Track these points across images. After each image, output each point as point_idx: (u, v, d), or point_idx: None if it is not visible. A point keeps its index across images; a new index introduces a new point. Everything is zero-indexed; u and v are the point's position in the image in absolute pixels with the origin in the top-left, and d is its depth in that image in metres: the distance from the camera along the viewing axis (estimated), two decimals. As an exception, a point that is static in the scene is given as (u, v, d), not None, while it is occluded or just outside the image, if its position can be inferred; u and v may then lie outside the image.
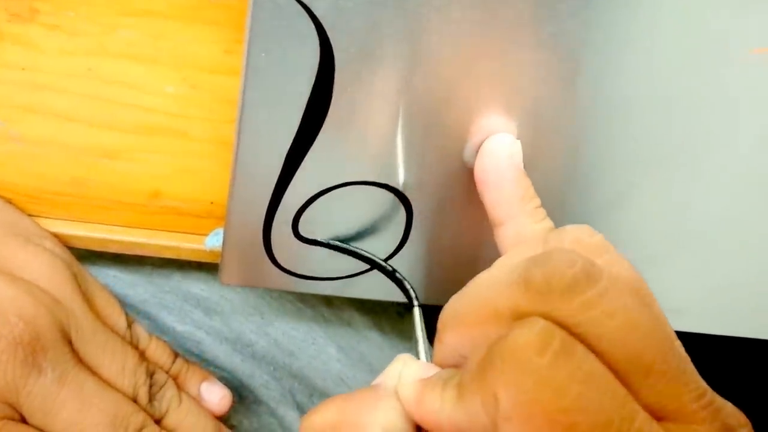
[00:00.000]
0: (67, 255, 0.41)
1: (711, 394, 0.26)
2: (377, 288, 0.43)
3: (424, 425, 0.29)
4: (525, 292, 0.26)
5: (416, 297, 0.36)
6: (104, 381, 0.38)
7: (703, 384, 0.26)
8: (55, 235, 0.42)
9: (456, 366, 0.30)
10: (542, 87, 0.35)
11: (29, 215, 0.42)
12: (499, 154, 0.35)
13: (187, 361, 0.43)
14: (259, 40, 0.33)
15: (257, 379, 0.47)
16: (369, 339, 0.50)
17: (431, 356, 0.32)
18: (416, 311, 0.36)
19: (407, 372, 0.30)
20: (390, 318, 0.52)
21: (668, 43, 0.34)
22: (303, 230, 0.39)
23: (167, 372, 0.42)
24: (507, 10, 0.32)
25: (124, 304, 0.43)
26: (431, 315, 0.34)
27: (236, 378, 0.47)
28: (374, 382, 0.32)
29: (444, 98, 0.35)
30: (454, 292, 0.34)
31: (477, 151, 0.36)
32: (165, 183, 0.42)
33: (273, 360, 0.48)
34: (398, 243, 0.40)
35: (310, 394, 0.48)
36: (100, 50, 0.38)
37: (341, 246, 0.39)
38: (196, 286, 0.47)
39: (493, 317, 0.27)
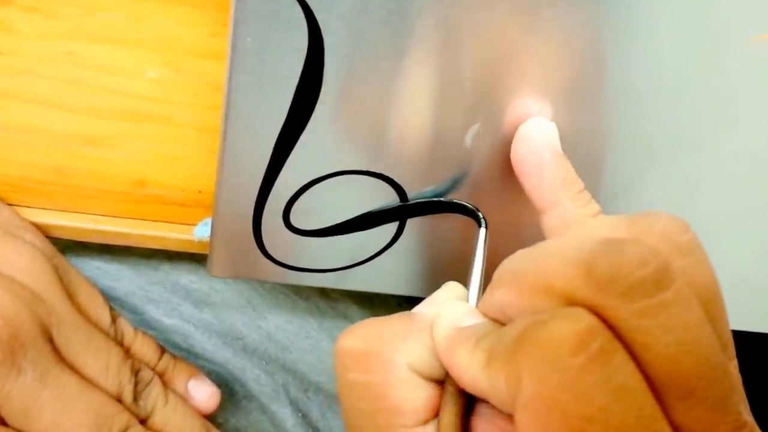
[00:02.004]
0: (48, 247, 0.40)
1: (750, 428, 0.25)
2: (375, 279, 0.41)
3: (450, 374, 0.28)
4: (585, 278, 0.24)
5: (483, 218, 0.35)
6: (87, 380, 0.37)
7: (745, 416, 0.25)
8: (37, 225, 0.41)
9: (498, 321, 0.29)
10: (542, 75, 0.34)
11: (10, 205, 0.41)
12: (534, 137, 0.34)
13: (174, 356, 0.42)
14: (244, 23, 0.32)
15: (248, 373, 0.46)
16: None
17: (482, 286, 0.31)
18: (482, 233, 0.34)
19: (446, 313, 0.30)
20: (389, 310, 0.50)
21: (671, 31, 0.33)
22: (295, 221, 0.38)
23: (153, 369, 0.41)
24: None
25: (110, 297, 0.42)
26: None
27: (227, 372, 0.46)
28: (415, 309, 0.31)
29: (439, 82, 0.34)
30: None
31: (473, 137, 0.35)
32: (150, 171, 0.41)
33: (265, 354, 0.47)
34: (394, 234, 0.39)
35: (306, 389, 0.48)
36: (79, 33, 0.37)
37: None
38: (186, 277, 0.46)
39: (547, 292, 0.26)
